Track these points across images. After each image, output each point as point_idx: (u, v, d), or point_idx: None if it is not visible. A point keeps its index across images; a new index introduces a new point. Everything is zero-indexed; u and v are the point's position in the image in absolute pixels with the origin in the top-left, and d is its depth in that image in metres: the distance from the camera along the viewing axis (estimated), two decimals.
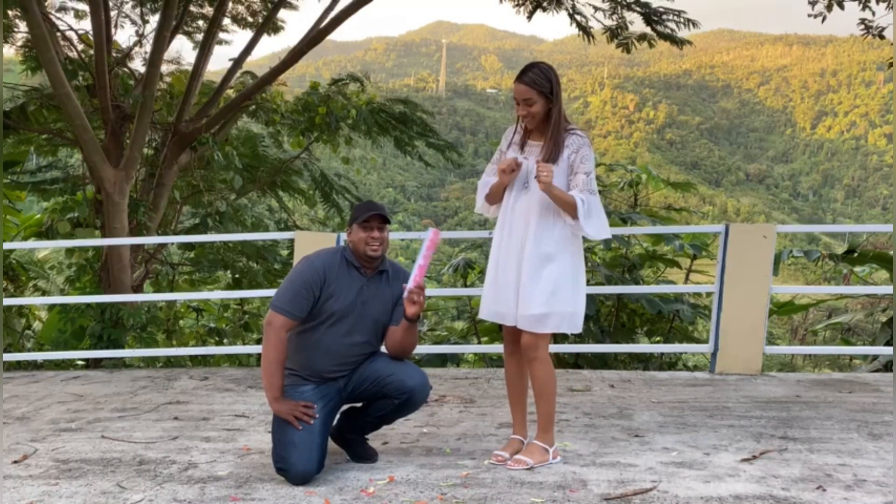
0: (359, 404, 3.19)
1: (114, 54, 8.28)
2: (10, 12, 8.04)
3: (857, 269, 8.11)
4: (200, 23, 9.66)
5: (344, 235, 5.33)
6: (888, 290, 5.67)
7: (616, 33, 8.10)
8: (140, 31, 8.82)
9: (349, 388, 3.13)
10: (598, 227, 3.01)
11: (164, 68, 8.59)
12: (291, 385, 3.06)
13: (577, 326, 3.06)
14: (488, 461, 3.13)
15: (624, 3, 7.86)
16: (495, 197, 3.15)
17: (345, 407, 3.21)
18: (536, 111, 2.99)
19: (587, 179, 2.98)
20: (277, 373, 2.98)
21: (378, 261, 3.08)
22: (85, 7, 8.36)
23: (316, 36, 7.95)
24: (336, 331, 3.04)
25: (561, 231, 3.02)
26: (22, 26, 8.34)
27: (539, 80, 2.97)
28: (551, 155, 2.99)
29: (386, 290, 3.10)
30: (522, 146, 3.12)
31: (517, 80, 3.01)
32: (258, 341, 8.60)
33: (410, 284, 2.97)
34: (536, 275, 2.99)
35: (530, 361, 3.07)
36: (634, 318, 7.26)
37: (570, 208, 2.95)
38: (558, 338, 6.99)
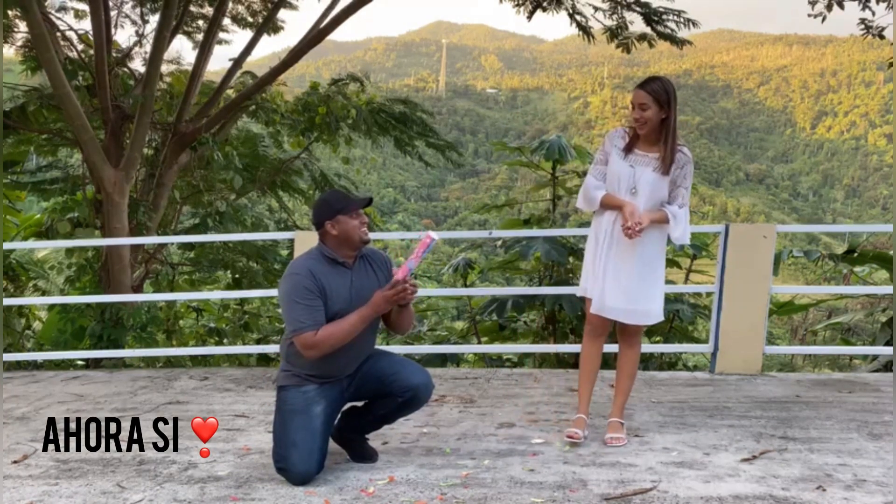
0: (360, 403, 3.19)
1: (114, 54, 8.28)
2: (10, 12, 8.04)
3: (857, 269, 8.10)
4: (200, 23, 9.67)
5: None
6: (888, 290, 5.67)
7: (616, 33, 8.10)
8: (140, 31, 8.83)
9: (352, 388, 3.12)
10: (683, 235, 3.38)
11: (164, 68, 8.59)
12: (294, 386, 3.05)
13: (650, 320, 3.47)
14: (565, 438, 3.36)
15: (624, 3, 7.86)
16: (608, 207, 3.39)
17: (346, 406, 3.21)
18: (649, 116, 3.23)
19: (686, 193, 3.36)
20: (348, 319, 2.92)
21: (367, 244, 3.07)
22: (85, 7, 8.36)
23: (316, 36, 7.96)
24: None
25: (660, 237, 3.41)
26: (22, 26, 8.34)
27: (657, 90, 3.24)
28: (666, 168, 3.29)
29: (372, 274, 3.09)
30: (628, 152, 3.34)
31: (637, 87, 3.29)
32: (258, 341, 8.61)
33: (398, 276, 2.94)
34: (648, 277, 3.38)
35: (631, 346, 3.51)
36: None
37: (664, 223, 3.34)
38: (559, 338, 7.00)
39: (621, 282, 3.35)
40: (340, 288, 2.99)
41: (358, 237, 2.99)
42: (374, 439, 3.33)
